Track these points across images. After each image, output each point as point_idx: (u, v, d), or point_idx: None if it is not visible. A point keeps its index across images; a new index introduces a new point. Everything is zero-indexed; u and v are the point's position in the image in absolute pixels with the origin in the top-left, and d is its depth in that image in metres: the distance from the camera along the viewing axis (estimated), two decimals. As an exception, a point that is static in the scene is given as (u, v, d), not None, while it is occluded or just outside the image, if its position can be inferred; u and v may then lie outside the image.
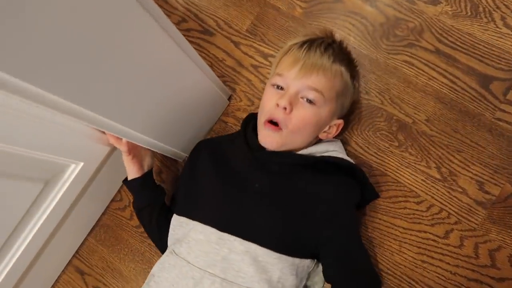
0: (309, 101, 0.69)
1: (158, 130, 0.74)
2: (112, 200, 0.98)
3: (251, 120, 0.80)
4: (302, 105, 0.69)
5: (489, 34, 0.85)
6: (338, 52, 0.73)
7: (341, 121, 0.76)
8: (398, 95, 0.86)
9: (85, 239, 0.97)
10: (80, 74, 0.48)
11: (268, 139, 0.71)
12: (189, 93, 0.77)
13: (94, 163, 0.77)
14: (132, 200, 0.86)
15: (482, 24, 0.85)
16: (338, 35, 0.82)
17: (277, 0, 0.97)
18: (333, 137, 0.78)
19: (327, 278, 0.70)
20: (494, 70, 0.83)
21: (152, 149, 0.80)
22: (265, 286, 0.62)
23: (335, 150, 0.75)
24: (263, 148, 0.72)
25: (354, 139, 0.86)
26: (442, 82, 0.84)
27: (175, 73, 0.68)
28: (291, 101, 0.68)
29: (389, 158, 0.84)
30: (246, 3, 0.99)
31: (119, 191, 0.98)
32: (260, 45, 0.96)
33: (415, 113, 0.84)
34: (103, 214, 0.98)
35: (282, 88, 0.72)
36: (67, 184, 0.73)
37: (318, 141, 0.78)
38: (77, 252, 0.97)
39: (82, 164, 0.74)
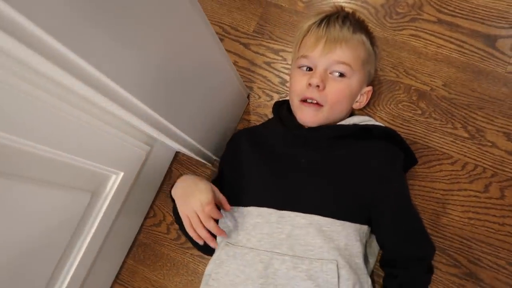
0: (340, 75, 0.71)
1: (197, 131, 0.75)
2: (146, 218, 0.96)
3: (281, 105, 0.81)
4: (334, 80, 0.71)
5: (484, -2, 0.90)
6: (355, 22, 0.75)
7: (370, 88, 0.78)
8: (412, 67, 0.89)
9: (124, 262, 0.94)
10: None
11: (309, 116, 0.72)
12: (219, 93, 0.79)
13: (132, 173, 0.76)
14: (172, 208, 0.85)
15: (475, -10, 0.91)
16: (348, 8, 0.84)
17: (278, -2, 1.01)
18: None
19: (380, 241, 0.70)
20: (496, 29, 0.88)
21: (188, 153, 0.80)
22: (335, 254, 0.62)
23: (371, 120, 0.77)
24: (301, 126, 0.74)
25: (378, 115, 0.88)
26: (451, 48, 0.89)
27: (213, 73, 0.71)
28: (323, 78, 0.70)
29: (415, 127, 0.86)
30: (249, 6, 1.02)
31: (151, 207, 0.96)
32: (269, 42, 0.99)
33: (431, 80, 0.88)
34: (138, 233, 0.96)
35: (309, 69, 0.74)
36: (110, 195, 0.72)
37: (352, 112, 0.80)
38: (117, 276, 0.94)
39: (122, 174, 0.73)
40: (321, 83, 0.70)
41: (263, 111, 0.95)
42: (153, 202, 0.96)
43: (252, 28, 1.01)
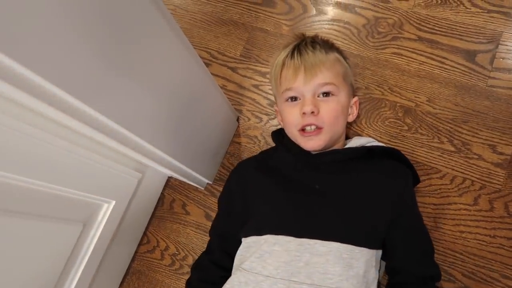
0: (327, 95, 0.72)
1: (188, 157, 0.76)
2: (139, 244, 0.96)
3: (280, 133, 0.81)
4: (324, 101, 0.72)
5: (461, 15, 0.93)
6: (323, 43, 0.78)
7: (356, 99, 0.80)
8: (396, 84, 0.91)
9: (118, 291, 0.93)
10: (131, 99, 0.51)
11: (314, 143, 0.71)
12: (209, 118, 0.80)
13: (124, 201, 0.77)
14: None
15: (453, 8, 0.94)
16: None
17: (263, 23, 1.04)
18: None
19: (393, 263, 0.69)
20: (475, 44, 0.90)
21: (180, 178, 0.80)
22: (354, 283, 0.61)
23: (374, 141, 0.78)
24: (308, 152, 0.74)
25: (366, 132, 0.90)
26: (432, 64, 0.91)
27: (202, 99, 0.72)
28: (315, 103, 0.71)
29: (402, 143, 0.87)
30: (235, 31, 1.05)
31: (144, 233, 0.96)
32: (256, 65, 1.01)
33: (416, 97, 0.90)
34: (132, 260, 0.95)
35: (296, 99, 0.74)
36: (102, 225, 0.72)
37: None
38: (111, 306, 0.93)
39: (114, 202, 0.73)
40: (315, 108, 0.70)
41: (253, 133, 0.96)
42: (146, 228, 0.96)
43: (239, 52, 1.03)
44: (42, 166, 0.54)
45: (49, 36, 0.37)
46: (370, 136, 0.89)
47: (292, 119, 0.73)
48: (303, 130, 0.72)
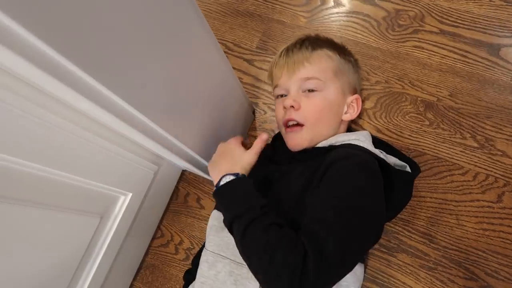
0: (311, 90, 0.71)
1: (205, 148, 0.74)
2: (153, 238, 0.94)
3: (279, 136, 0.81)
4: (307, 96, 0.71)
5: (485, 9, 0.91)
6: (314, 41, 0.77)
7: (356, 96, 0.76)
8: (417, 78, 0.89)
9: (131, 285, 0.92)
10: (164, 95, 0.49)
11: (294, 140, 0.71)
12: (226, 110, 0.78)
13: (140, 194, 0.75)
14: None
15: (476, 1, 0.92)
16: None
17: (280, 14, 1.02)
18: (357, 116, 0.77)
19: None
20: (499, 38, 0.88)
21: (195, 171, 0.79)
22: None
23: (357, 139, 0.68)
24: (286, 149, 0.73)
25: (386, 127, 0.88)
26: (455, 58, 0.89)
27: (220, 90, 0.71)
28: (295, 98, 0.71)
29: (424, 138, 0.85)
30: (251, 23, 1.03)
31: (158, 227, 0.95)
32: (273, 58, 0.99)
33: (437, 91, 0.87)
34: (146, 254, 0.94)
35: (284, 95, 0.75)
36: (118, 218, 0.71)
37: (349, 128, 0.78)
38: (124, 300, 0.92)
39: (130, 195, 0.72)
40: (294, 102, 0.70)
41: (269, 126, 0.95)
42: (160, 222, 0.95)
43: (255, 44, 1.01)
44: (61, 156, 0.52)
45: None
46: (390, 131, 0.87)
47: (278, 115, 0.76)
48: (288, 126, 0.73)
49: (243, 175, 0.61)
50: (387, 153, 0.71)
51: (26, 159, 0.46)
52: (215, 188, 0.60)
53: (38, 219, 0.51)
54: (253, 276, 0.52)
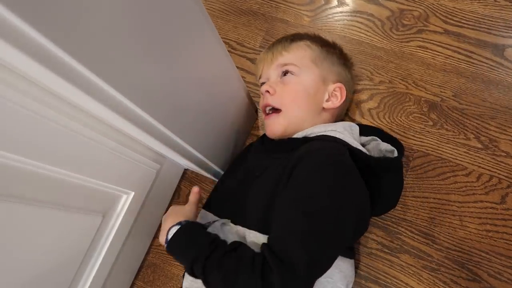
0: (285, 74, 0.74)
1: (207, 147, 0.74)
2: (154, 237, 0.94)
3: None
4: (283, 82, 0.74)
5: (490, 9, 0.90)
6: (294, 35, 0.80)
7: (339, 85, 0.74)
8: (421, 78, 0.89)
9: (133, 284, 0.92)
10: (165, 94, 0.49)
11: (270, 126, 0.73)
12: (229, 108, 0.78)
13: (143, 193, 0.75)
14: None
15: (481, 1, 0.91)
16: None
17: (283, 13, 1.01)
18: (340, 105, 0.75)
19: None
20: (504, 39, 0.88)
21: (197, 169, 0.79)
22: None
23: (333, 129, 0.65)
24: (267, 138, 0.76)
25: (389, 127, 0.87)
26: (459, 59, 0.88)
27: (224, 88, 0.71)
28: (270, 84, 0.74)
29: (427, 138, 0.85)
30: (254, 21, 1.02)
31: (160, 226, 0.94)
32: (276, 57, 0.98)
33: (441, 91, 0.87)
34: (147, 253, 0.93)
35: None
36: (121, 217, 0.70)
37: (337, 120, 0.78)
38: (125, 299, 0.91)
39: (133, 194, 0.72)
40: (269, 87, 0.73)
41: (272, 126, 0.94)
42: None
43: (258, 43, 1.01)
44: (64, 154, 0.52)
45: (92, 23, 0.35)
46: (393, 131, 0.86)
47: (260, 104, 0.78)
48: (267, 114, 0.75)
49: (186, 221, 0.59)
50: (383, 140, 0.71)
51: (28, 157, 0.46)
52: (165, 245, 0.58)
53: (40, 218, 0.51)
54: None
